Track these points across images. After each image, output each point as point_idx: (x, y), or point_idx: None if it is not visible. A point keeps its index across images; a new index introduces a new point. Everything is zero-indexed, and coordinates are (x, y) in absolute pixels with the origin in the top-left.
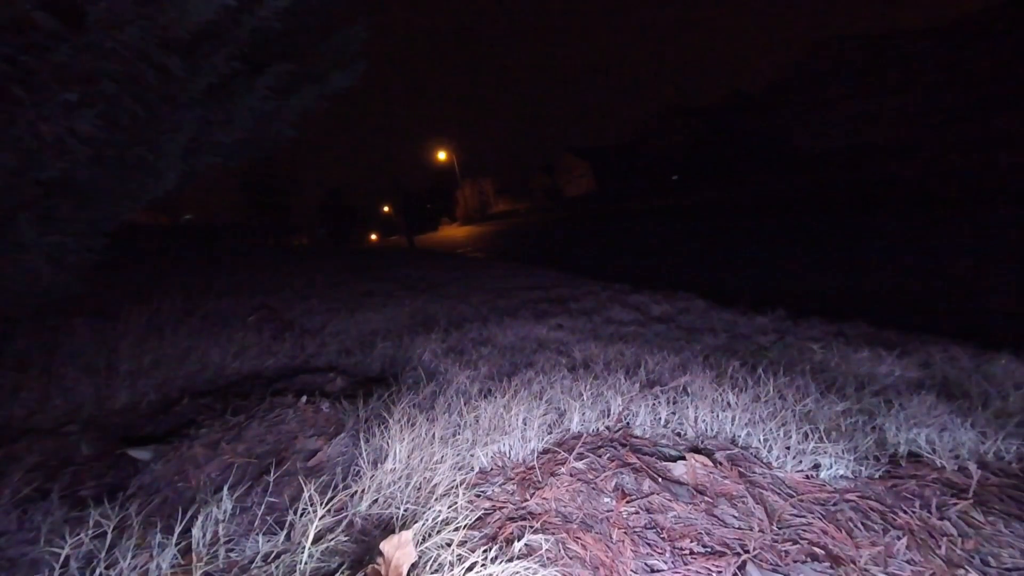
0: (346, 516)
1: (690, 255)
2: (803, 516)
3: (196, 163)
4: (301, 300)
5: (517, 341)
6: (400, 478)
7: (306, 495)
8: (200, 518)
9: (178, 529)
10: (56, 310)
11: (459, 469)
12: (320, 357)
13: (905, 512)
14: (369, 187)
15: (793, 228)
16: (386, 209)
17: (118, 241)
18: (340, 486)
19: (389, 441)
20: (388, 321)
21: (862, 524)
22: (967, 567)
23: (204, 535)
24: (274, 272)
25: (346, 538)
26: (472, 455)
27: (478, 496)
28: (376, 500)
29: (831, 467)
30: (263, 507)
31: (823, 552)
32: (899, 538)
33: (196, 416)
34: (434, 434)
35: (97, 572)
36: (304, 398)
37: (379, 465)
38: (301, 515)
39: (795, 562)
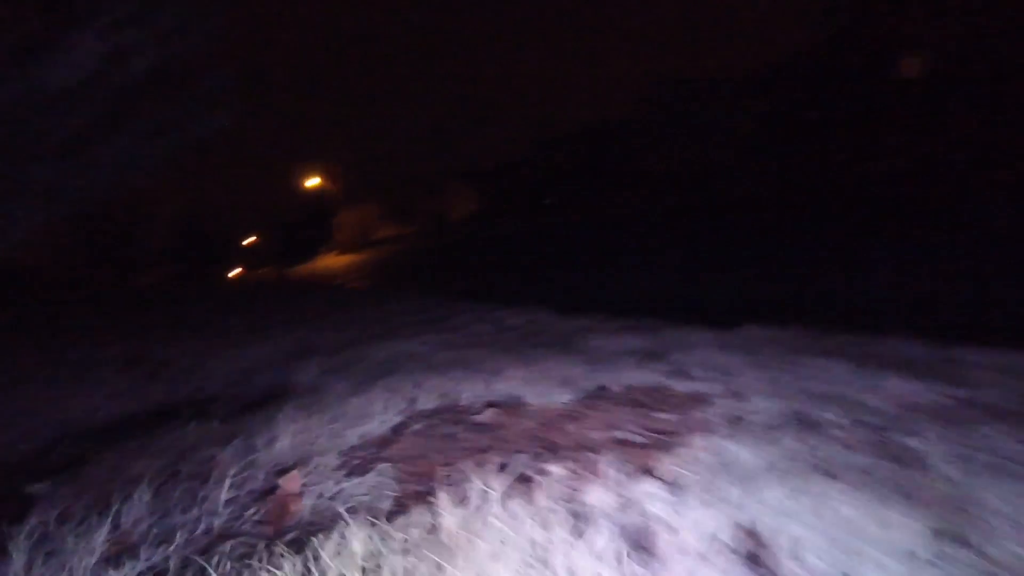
0: (252, 474)
1: (554, 271)
2: (541, 427)
3: (52, 213)
4: (171, 340)
5: (389, 356)
6: (288, 451)
7: (215, 474)
8: (124, 507)
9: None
10: None
11: (335, 438)
12: (202, 391)
13: (588, 414)
14: (238, 214)
15: (642, 242)
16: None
17: None
18: (242, 465)
19: (278, 433)
20: (268, 354)
21: (570, 423)
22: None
23: (130, 519)
24: (132, 314)
25: (250, 491)
26: (345, 434)
27: (346, 454)
28: (274, 464)
29: (561, 399)
30: (178, 492)
31: (548, 441)
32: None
33: (83, 453)
34: (312, 423)
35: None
36: (193, 422)
37: (272, 446)
38: (214, 486)
39: (528, 451)
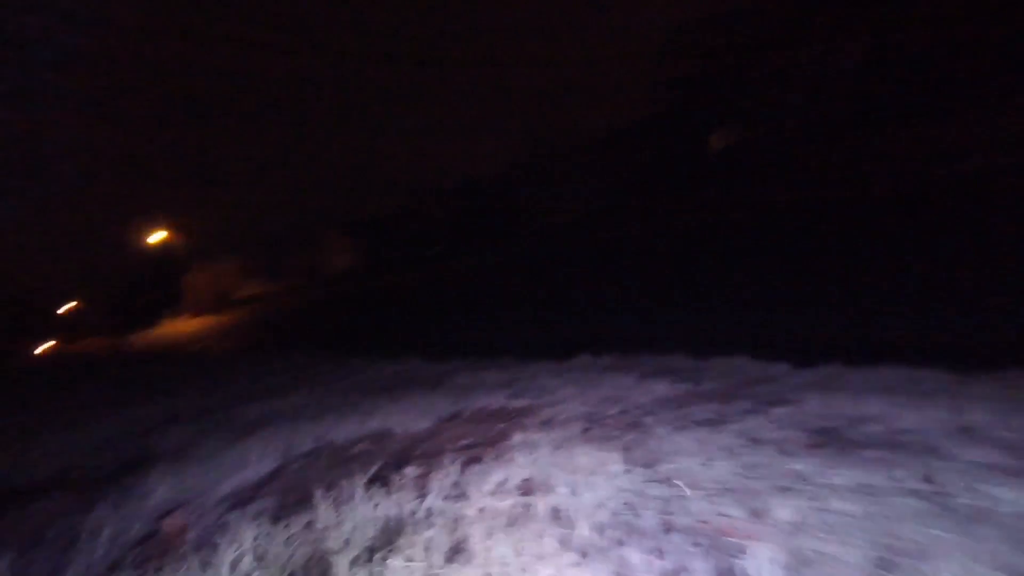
0: (127, 526)
1: (431, 321)
2: (404, 447)
3: None
4: None
5: (261, 415)
6: (164, 502)
7: (85, 534)
8: None
9: None
10: None
11: (213, 486)
12: (49, 469)
13: (442, 433)
14: (60, 277)
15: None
16: (73, 305)
17: None
18: (117, 521)
19: (151, 488)
20: (120, 427)
21: (427, 441)
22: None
23: None
24: None
25: (128, 540)
26: (222, 482)
27: (226, 496)
28: (152, 514)
29: (422, 425)
30: (47, 553)
31: (407, 454)
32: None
33: None
34: (187, 476)
35: None
36: (45, 498)
37: (146, 499)
38: (88, 540)
39: (391, 464)
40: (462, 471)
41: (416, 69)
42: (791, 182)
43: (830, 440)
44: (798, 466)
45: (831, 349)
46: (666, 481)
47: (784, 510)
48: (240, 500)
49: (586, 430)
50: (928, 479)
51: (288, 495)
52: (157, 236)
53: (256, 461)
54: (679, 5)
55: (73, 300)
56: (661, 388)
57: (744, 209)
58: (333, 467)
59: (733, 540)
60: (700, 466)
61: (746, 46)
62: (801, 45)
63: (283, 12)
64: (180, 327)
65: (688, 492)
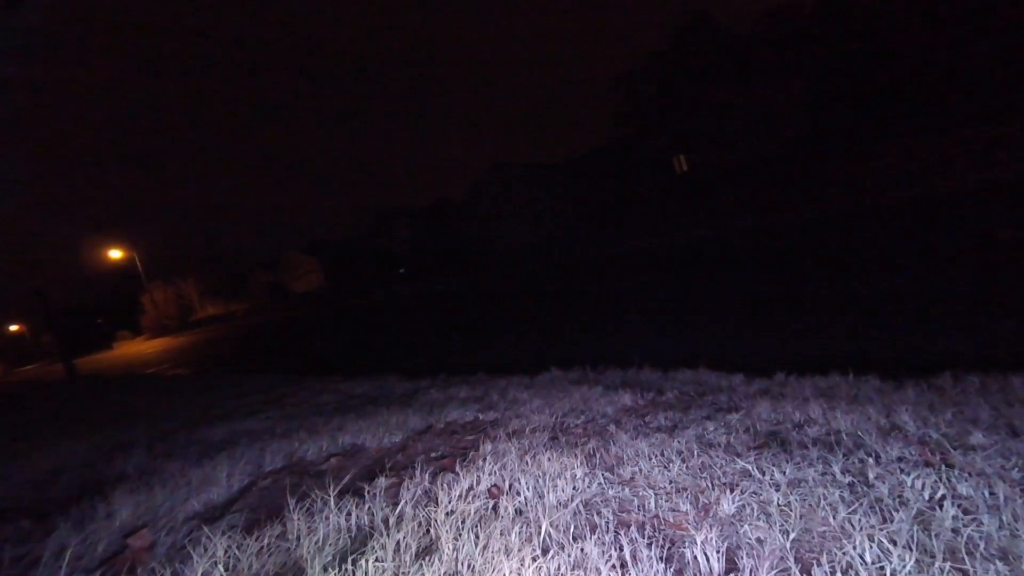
0: (90, 548)
1: (401, 340)
2: (375, 460)
3: None
4: None
5: (228, 435)
6: (130, 521)
7: (46, 557)
8: None
9: None
10: None
11: (181, 504)
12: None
13: (414, 445)
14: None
15: (489, 311)
16: (16, 328)
17: None
18: (78, 543)
19: (115, 509)
20: (75, 453)
21: (399, 453)
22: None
23: None
24: None
25: (91, 560)
26: (190, 499)
27: (195, 513)
28: (115, 535)
29: (394, 439)
30: None
31: (379, 467)
32: None
33: None
34: (153, 495)
35: None
36: (4, 519)
37: (111, 520)
38: (50, 563)
39: (362, 476)
40: (433, 479)
41: (383, 95)
42: (748, 206)
43: (774, 441)
44: (743, 465)
45: (783, 364)
46: (625, 482)
47: (727, 504)
48: (210, 515)
49: (553, 438)
50: (854, 472)
51: (259, 509)
52: (113, 254)
53: (225, 479)
54: (639, 37)
55: (16, 323)
56: (626, 399)
57: (704, 231)
58: (305, 481)
59: (680, 532)
60: (656, 468)
61: (703, 75)
62: (755, 74)
63: (245, 30)
64: (137, 348)
65: (644, 491)
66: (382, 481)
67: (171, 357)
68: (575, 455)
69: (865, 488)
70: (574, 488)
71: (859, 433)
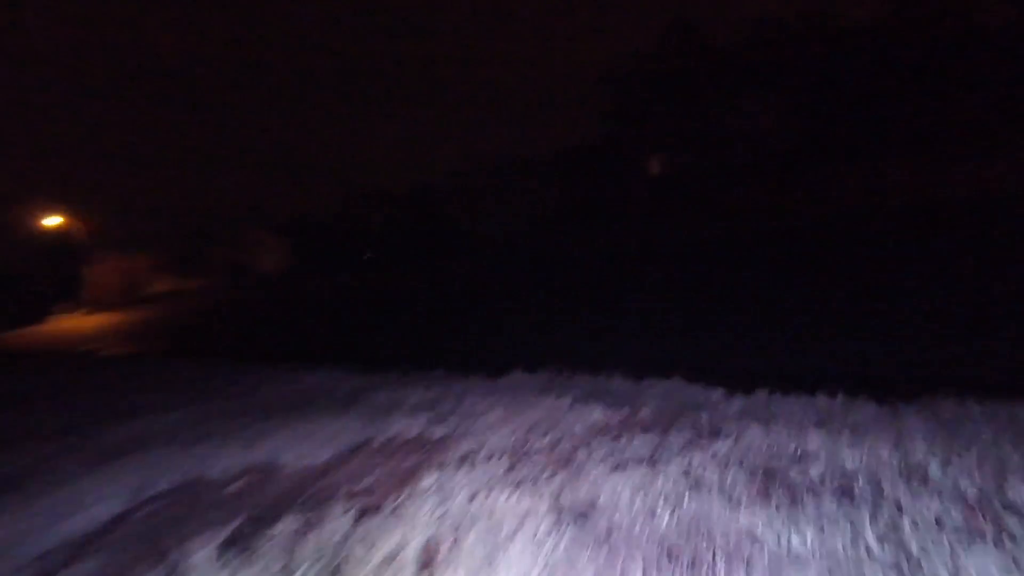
0: None
1: (360, 329)
2: (295, 487)
3: None
4: None
5: (124, 439)
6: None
7: None
8: None
9: None
10: None
11: (23, 539)
12: None
13: (342, 468)
14: None
15: (455, 303)
16: None
17: None
18: None
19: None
20: None
21: (323, 478)
22: None
23: None
24: None
25: None
26: (46, 527)
27: (41, 556)
28: None
29: (322, 457)
30: None
31: (290, 499)
32: None
33: None
34: (14, 513)
35: None
36: None
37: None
38: None
39: (266, 515)
40: (353, 526)
41: (364, 73)
42: (725, 209)
43: (775, 483)
44: (747, 523)
45: (761, 377)
46: (600, 540)
47: None
48: (59, 559)
49: (511, 468)
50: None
51: (120, 554)
52: (52, 220)
53: (97, 501)
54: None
55: None
56: (596, 414)
57: (679, 232)
58: (191, 515)
59: None
60: (639, 519)
61: (683, 78)
62: (737, 83)
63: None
64: (73, 324)
65: (625, 558)
66: (285, 525)
67: (112, 334)
68: (539, 494)
69: (916, 570)
70: (536, 548)
71: (875, 476)
